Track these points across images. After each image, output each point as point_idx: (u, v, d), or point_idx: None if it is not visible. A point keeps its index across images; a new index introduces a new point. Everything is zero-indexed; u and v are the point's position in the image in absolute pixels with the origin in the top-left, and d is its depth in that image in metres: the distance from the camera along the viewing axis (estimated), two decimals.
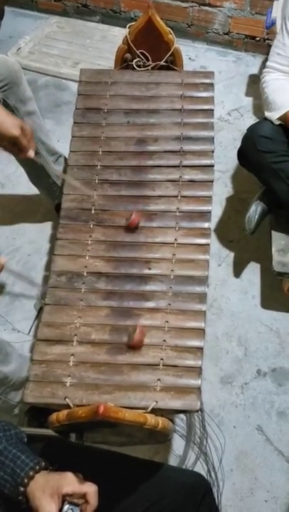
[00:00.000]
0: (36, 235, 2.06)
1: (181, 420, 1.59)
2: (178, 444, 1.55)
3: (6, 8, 3.03)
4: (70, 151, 1.52)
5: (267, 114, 1.67)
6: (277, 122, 1.63)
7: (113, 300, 1.26)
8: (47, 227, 2.07)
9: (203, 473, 1.48)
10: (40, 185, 1.93)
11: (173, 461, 1.52)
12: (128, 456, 1.10)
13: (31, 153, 1.35)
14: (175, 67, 1.63)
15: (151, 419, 1.00)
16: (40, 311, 1.77)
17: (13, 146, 1.32)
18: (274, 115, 1.63)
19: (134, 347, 1.17)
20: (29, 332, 1.78)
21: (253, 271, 1.94)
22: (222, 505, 1.45)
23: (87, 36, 2.89)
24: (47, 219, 2.09)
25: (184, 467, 1.49)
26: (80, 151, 1.51)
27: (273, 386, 1.66)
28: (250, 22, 2.66)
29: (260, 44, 2.73)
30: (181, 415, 1.59)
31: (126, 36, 1.61)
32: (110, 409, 0.93)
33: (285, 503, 1.46)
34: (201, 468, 1.50)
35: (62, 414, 1.02)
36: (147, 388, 1.11)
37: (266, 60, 2.68)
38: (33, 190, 2.00)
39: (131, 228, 1.36)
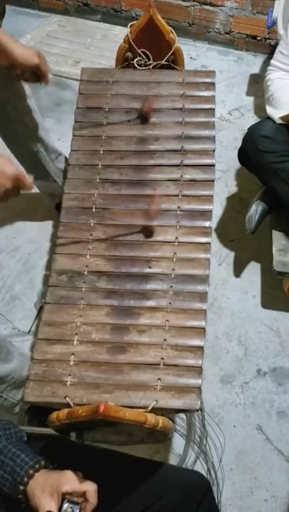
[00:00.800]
0: (37, 234, 2.06)
1: (181, 419, 1.59)
2: (178, 443, 1.56)
3: (7, 7, 3.02)
4: (71, 150, 1.52)
5: (270, 110, 1.66)
6: (279, 121, 1.62)
7: (114, 299, 1.26)
8: (47, 226, 2.07)
9: (203, 472, 1.48)
10: (41, 184, 1.93)
11: (173, 460, 1.52)
12: (128, 455, 1.11)
13: (50, 76, 1.46)
14: (176, 67, 1.63)
15: (152, 419, 1.00)
16: (40, 310, 1.77)
17: (35, 74, 1.42)
18: (277, 113, 1.63)
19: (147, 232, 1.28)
20: (29, 331, 1.78)
21: (253, 270, 1.94)
22: (222, 504, 1.45)
23: (88, 35, 2.89)
24: (47, 218, 2.09)
25: (183, 466, 1.49)
26: (81, 150, 1.51)
27: (273, 386, 1.66)
28: (252, 21, 2.65)
29: (262, 43, 2.73)
30: (182, 414, 1.59)
31: (127, 35, 1.60)
32: (110, 409, 0.93)
33: (285, 502, 1.46)
34: (200, 468, 1.50)
35: (63, 413, 1.02)
36: (148, 387, 1.11)
37: (267, 59, 2.70)
38: (33, 189, 2.00)
39: (145, 116, 1.40)
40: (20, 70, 1.40)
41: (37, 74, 1.42)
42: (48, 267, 1.88)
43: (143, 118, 1.48)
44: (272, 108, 1.65)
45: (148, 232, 1.33)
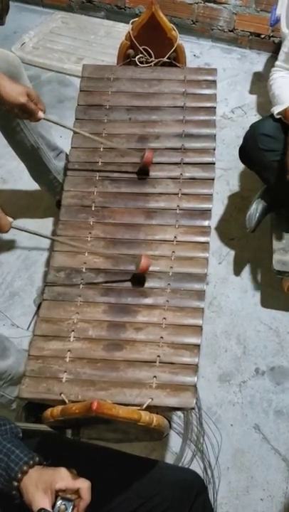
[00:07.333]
0: (37, 230, 2.05)
1: (178, 417, 1.59)
2: (175, 441, 1.55)
3: (11, 3, 3.02)
4: (72, 147, 1.52)
5: (272, 107, 1.67)
6: (278, 116, 1.62)
7: (111, 296, 1.26)
8: (48, 222, 2.07)
9: (200, 470, 1.48)
10: (41, 181, 1.93)
11: (169, 459, 1.52)
12: (123, 452, 1.11)
13: (41, 115, 1.42)
14: (178, 64, 1.63)
15: (146, 416, 1.00)
16: (39, 306, 1.77)
17: (23, 112, 1.40)
18: (276, 109, 1.63)
19: (141, 273, 1.24)
20: (28, 328, 1.78)
21: (253, 269, 1.93)
22: (218, 502, 1.45)
23: (91, 32, 2.88)
24: (48, 215, 2.08)
25: (180, 465, 1.49)
26: (81, 147, 1.51)
27: (271, 385, 1.66)
28: (255, 19, 2.65)
29: (265, 41, 2.72)
30: (179, 412, 1.59)
31: (129, 32, 1.60)
32: (104, 406, 0.93)
33: (281, 501, 1.46)
34: (197, 466, 1.50)
35: (57, 409, 1.02)
36: (143, 385, 1.11)
37: (271, 57, 2.69)
38: (34, 185, 2.00)
39: (145, 169, 1.36)
40: (7, 106, 1.39)
41: (26, 111, 1.40)
42: (48, 263, 1.88)
43: (143, 171, 1.44)
44: (273, 105, 1.66)
45: (139, 280, 1.28)
